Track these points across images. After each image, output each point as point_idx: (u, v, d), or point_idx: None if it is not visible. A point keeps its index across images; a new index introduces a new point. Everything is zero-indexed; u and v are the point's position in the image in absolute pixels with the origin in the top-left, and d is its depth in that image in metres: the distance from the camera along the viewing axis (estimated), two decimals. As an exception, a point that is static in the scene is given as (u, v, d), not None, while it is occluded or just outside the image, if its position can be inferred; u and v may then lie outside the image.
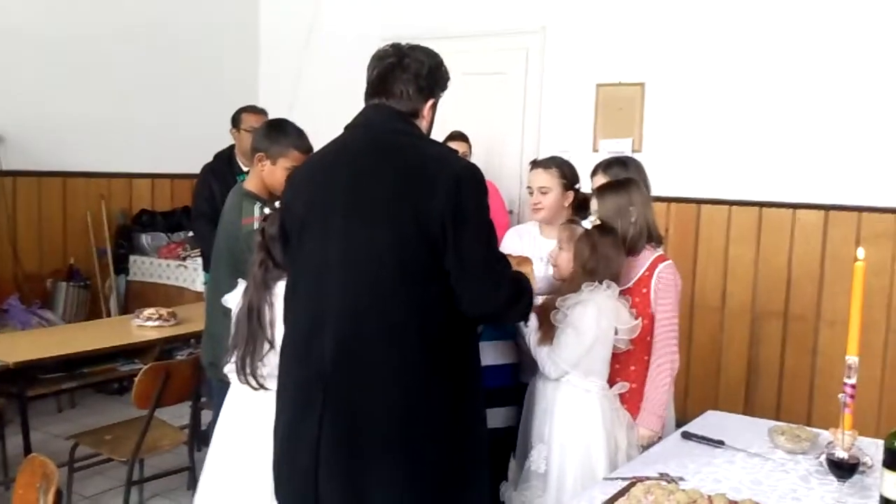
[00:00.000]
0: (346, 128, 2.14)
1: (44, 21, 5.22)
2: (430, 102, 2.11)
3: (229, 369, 2.49)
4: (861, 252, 1.88)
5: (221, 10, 6.31)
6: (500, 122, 5.52)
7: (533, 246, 3.08)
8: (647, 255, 2.63)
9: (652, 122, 4.98)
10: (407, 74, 2.06)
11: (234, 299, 2.53)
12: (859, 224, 4.38)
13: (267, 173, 2.86)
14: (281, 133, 2.86)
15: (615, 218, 2.60)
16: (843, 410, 1.85)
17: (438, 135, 2.21)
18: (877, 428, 3.86)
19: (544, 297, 2.62)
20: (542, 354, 2.46)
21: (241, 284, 2.51)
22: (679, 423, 2.64)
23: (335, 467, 1.96)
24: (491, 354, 2.71)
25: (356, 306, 1.96)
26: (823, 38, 4.43)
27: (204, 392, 3.66)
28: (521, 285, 2.14)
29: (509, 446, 2.66)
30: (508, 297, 2.05)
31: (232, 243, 2.81)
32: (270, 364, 2.38)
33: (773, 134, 4.60)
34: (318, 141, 2.26)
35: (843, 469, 1.82)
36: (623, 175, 2.90)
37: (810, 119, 4.49)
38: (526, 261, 2.56)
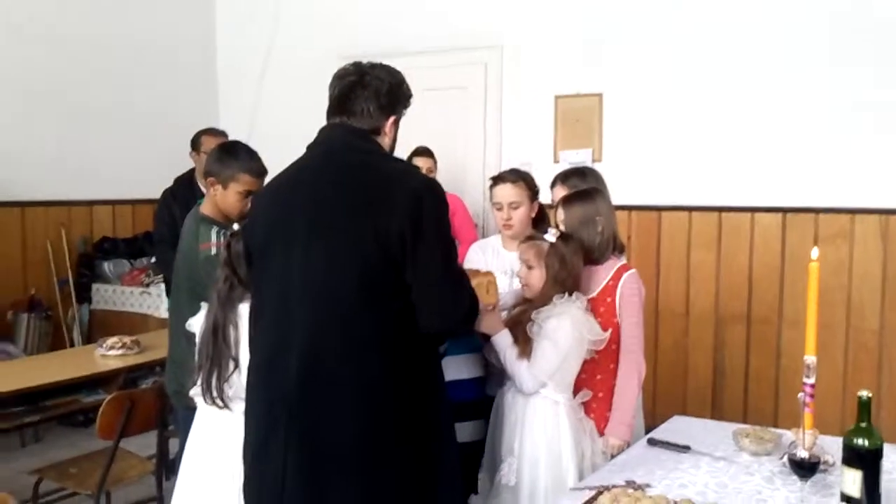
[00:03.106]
0: (308, 147, 2.14)
1: (-4, 50, 5.17)
2: (391, 120, 2.12)
3: (195, 392, 2.47)
4: (815, 252, 1.92)
5: (179, 33, 6.27)
6: (461, 136, 5.54)
7: (496, 259, 3.08)
8: (611, 265, 2.65)
9: (611, 132, 5.04)
10: (368, 92, 2.07)
11: (197, 323, 2.51)
12: (816, 225, 4.46)
13: (219, 198, 2.83)
14: (231, 157, 2.83)
15: (581, 227, 2.63)
16: (803, 410, 1.88)
17: (402, 151, 2.23)
18: (841, 426, 3.90)
19: (514, 310, 2.64)
20: (520, 369, 2.46)
21: (205, 307, 2.49)
22: (648, 429, 2.66)
23: (302, 488, 1.96)
24: (457, 368, 2.71)
25: (320, 327, 1.96)
26: (775, 46, 4.52)
27: (171, 420, 3.61)
28: (475, 300, 2.15)
29: (475, 458, 2.66)
30: (467, 312, 2.07)
31: (190, 268, 2.79)
32: (236, 385, 2.37)
33: (730, 140, 4.67)
34: (280, 161, 2.25)
35: (805, 468, 1.85)
36: (582, 185, 2.92)
37: (765, 124, 4.57)
38: (486, 273, 2.56)
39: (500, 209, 3.02)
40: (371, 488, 1.95)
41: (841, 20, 4.35)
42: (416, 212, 1.93)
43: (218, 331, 2.39)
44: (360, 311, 1.95)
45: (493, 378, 2.74)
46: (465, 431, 2.65)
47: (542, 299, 2.50)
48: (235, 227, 2.48)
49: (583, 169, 3.22)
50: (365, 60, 2.15)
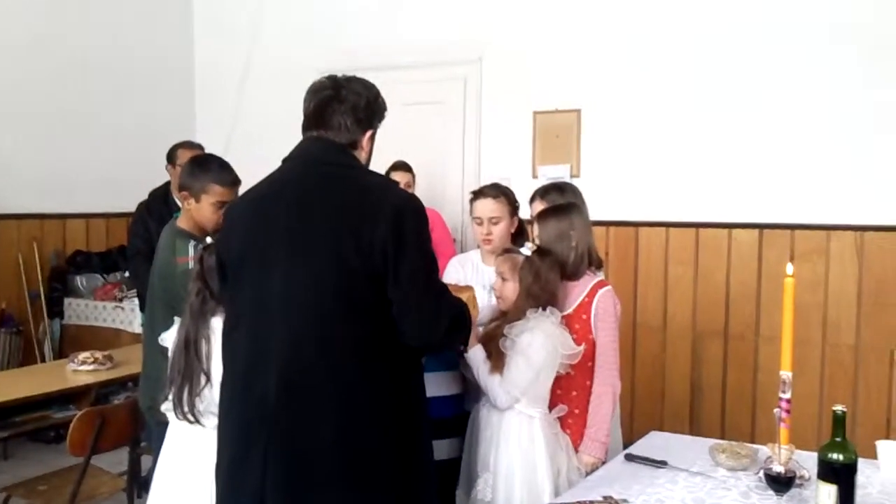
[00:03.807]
0: (284, 160, 2.13)
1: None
2: (368, 133, 2.11)
3: (167, 407, 2.43)
4: (790, 268, 1.93)
5: (155, 46, 6.24)
6: (440, 150, 5.55)
7: (475, 273, 3.08)
8: (587, 281, 2.65)
9: (589, 148, 5.06)
10: (344, 106, 2.06)
11: (170, 337, 2.49)
12: (792, 241, 4.50)
13: (194, 211, 2.83)
14: (202, 170, 2.84)
15: (556, 243, 2.63)
16: (779, 425, 1.88)
17: (380, 165, 2.22)
18: (817, 441, 3.90)
19: (489, 325, 2.63)
20: (493, 384, 2.45)
21: (177, 322, 2.46)
22: (626, 445, 2.65)
23: (281, 501, 1.92)
24: (435, 385, 2.69)
25: (299, 342, 1.94)
26: (753, 65, 4.57)
27: (143, 437, 3.55)
28: (461, 313, 2.13)
29: (453, 475, 2.64)
30: (448, 327, 2.05)
31: (167, 283, 2.77)
32: (207, 399, 2.34)
33: (708, 156, 4.71)
34: (256, 174, 2.23)
35: (780, 483, 1.85)
36: (560, 200, 2.93)
37: (742, 141, 4.61)
38: (466, 288, 2.55)
39: (480, 224, 3.02)
40: (352, 495, 1.93)
41: (816, 39, 4.41)
42: (398, 225, 1.92)
43: (190, 345, 2.37)
44: (341, 325, 1.93)
45: (470, 394, 2.72)
46: (442, 448, 2.63)
47: (516, 313, 2.50)
48: (209, 240, 2.47)
49: (561, 184, 3.22)
50: (340, 74, 2.14)
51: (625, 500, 2.02)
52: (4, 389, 3.62)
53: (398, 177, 4.52)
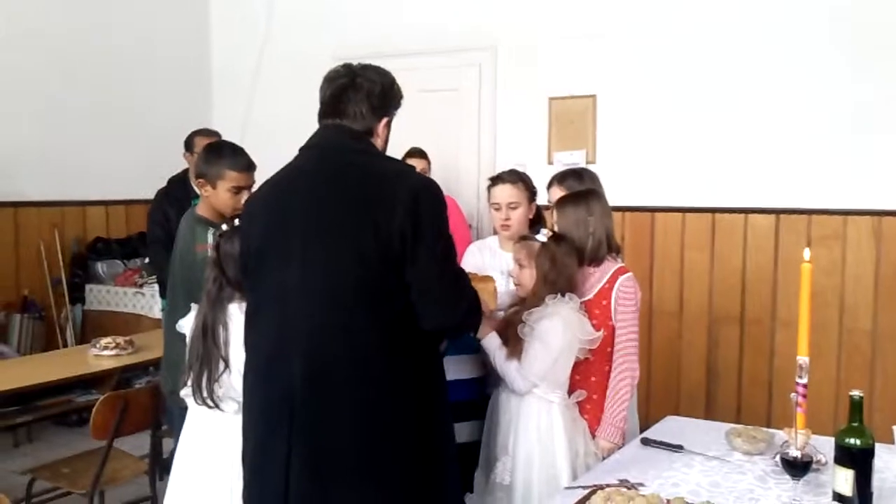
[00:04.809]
0: (301, 149, 2.14)
1: (-10, 50, 5.16)
2: (384, 121, 2.12)
3: (186, 392, 2.47)
4: (807, 253, 1.93)
5: (173, 34, 6.27)
6: (455, 137, 5.55)
7: (493, 259, 3.09)
8: (608, 267, 2.65)
9: (604, 134, 5.05)
10: (360, 94, 2.07)
11: (188, 323, 2.51)
12: (809, 226, 4.48)
13: (212, 197, 2.86)
14: (216, 156, 2.87)
15: (574, 229, 2.63)
16: (795, 410, 1.89)
17: (396, 152, 2.23)
18: (834, 426, 3.90)
19: (507, 311, 2.64)
20: (510, 370, 2.46)
21: (195, 308, 2.49)
22: (642, 430, 2.67)
23: (305, 488, 1.95)
24: (456, 369, 2.71)
25: (321, 331, 1.95)
26: (771, 48, 4.54)
27: (165, 420, 3.60)
28: (475, 297, 2.14)
29: (473, 458, 2.66)
30: (466, 311, 2.06)
31: (187, 270, 2.79)
32: (226, 385, 2.37)
33: (724, 141, 4.69)
34: (273, 161, 2.26)
35: (797, 468, 1.86)
36: (578, 186, 2.93)
37: (759, 126, 4.59)
38: (488, 279, 2.57)
39: (498, 209, 3.02)
40: (375, 487, 1.95)
41: (838, 23, 4.37)
42: (415, 210, 1.93)
43: (207, 331, 2.39)
44: (361, 312, 1.94)
45: (491, 377, 2.74)
46: (463, 431, 2.66)
47: (534, 299, 2.51)
48: (224, 227, 2.49)
49: (579, 170, 3.21)
50: (356, 62, 2.15)
51: (641, 484, 2.03)
52: (28, 374, 3.69)
53: (413, 163, 4.49)
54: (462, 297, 2.04)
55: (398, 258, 1.93)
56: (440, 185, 2.10)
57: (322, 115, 2.13)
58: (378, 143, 2.13)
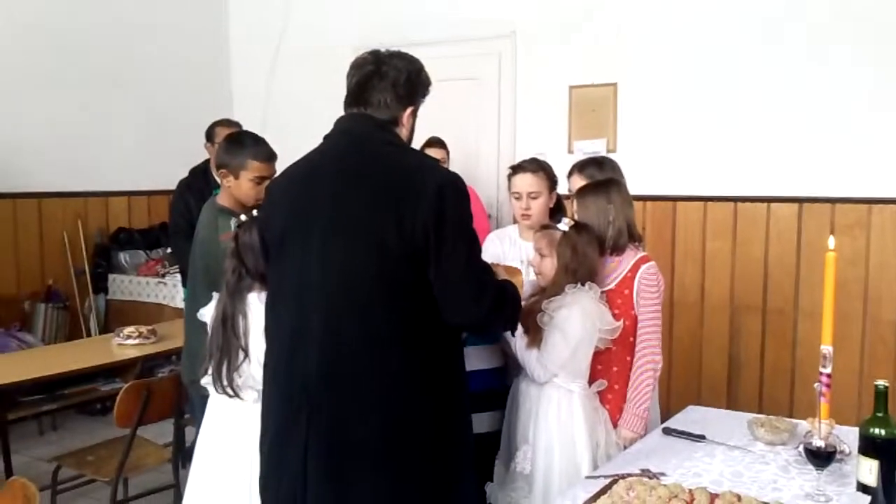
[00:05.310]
0: (325, 138, 2.12)
1: (14, 41, 5.19)
2: (409, 110, 2.09)
3: (206, 381, 2.49)
4: (832, 241, 1.91)
5: (192, 25, 6.30)
6: (475, 126, 5.53)
7: (513, 249, 3.09)
8: (630, 256, 2.63)
9: (625, 122, 5.01)
10: (385, 83, 2.04)
11: (208, 312, 2.53)
12: (833, 215, 4.43)
13: (234, 188, 2.87)
14: (237, 146, 2.88)
15: (594, 218, 2.61)
16: (819, 400, 1.88)
17: (415, 141, 2.21)
18: (857, 416, 3.88)
19: (528, 300, 2.63)
20: (530, 359, 2.46)
21: (216, 297, 2.50)
22: (663, 419, 2.66)
23: (322, 480, 1.96)
24: (477, 358, 2.71)
25: (340, 319, 1.94)
26: (793, 36, 4.48)
27: (187, 409, 3.64)
28: (506, 294, 2.10)
29: (494, 448, 2.66)
30: (491, 307, 2.02)
31: (209, 260, 2.79)
32: (245, 374, 2.39)
33: (747, 129, 4.64)
34: (293, 150, 2.25)
35: (821, 458, 1.85)
36: (599, 175, 2.91)
37: (782, 114, 4.54)
38: (515, 271, 2.56)
39: (518, 198, 3.01)
40: (393, 478, 1.95)
41: (861, 12, 4.30)
42: (439, 206, 1.90)
43: (227, 321, 2.40)
44: (380, 304, 1.93)
45: (511, 367, 2.74)
46: (484, 421, 2.66)
47: (555, 288, 2.50)
48: (243, 217, 2.49)
49: (600, 159, 3.19)
50: (384, 49, 2.11)
51: (662, 474, 2.03)
52: (52, 363, 3.74)
53: (432, 153, 4.51)
54: (486, 292, 2.00)
55: (420, 253, 1.91)
56: (460, 175, 2.08)
57: (347, 103, 2.10)
58: (403, 132, 2.10)
